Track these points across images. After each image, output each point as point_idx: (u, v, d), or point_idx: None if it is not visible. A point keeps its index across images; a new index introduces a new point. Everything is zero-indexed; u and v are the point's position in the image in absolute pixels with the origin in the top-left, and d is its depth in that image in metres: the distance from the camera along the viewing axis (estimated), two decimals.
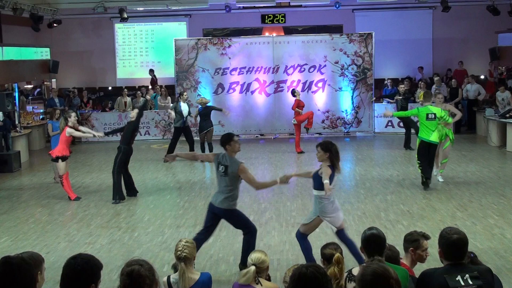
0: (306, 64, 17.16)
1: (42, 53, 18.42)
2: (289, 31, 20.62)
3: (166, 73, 20.70)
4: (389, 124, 17.43)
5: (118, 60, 21.67)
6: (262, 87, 17.36)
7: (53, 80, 19.94)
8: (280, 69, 17.25)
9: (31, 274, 3.02)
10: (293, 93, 14.88)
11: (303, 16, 20.68)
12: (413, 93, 16.73)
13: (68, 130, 10.34)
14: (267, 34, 20.47)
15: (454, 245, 3.71)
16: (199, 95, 16.58)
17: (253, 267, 4.49)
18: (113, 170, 10.28)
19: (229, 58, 17.23)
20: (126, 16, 17.93)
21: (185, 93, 14.70)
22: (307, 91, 17.02)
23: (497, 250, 7.22)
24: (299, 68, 17.19)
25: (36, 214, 9.70)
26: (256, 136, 17.69)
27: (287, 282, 3.61)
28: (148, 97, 16.57)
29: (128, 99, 17.86)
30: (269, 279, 4.91)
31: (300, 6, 19.98)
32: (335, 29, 20.11)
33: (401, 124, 15.65)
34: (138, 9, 18.78)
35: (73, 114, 10.58)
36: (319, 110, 17.10)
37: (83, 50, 21.29)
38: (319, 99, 17.12)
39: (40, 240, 8.22)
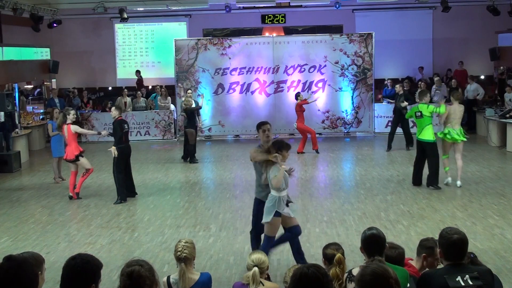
0: (306, 64, 17.15)
1: (42, 53, 18.43)
2: (289, 31, 20.61)
3: (166, 73, 20.70)
4: (389, 124, 17.38)
5: (118, 60, 21.66)
6: (262, 87, 17.35)
7: (53, 80, 19.92)
8: (280, 69, 17.24)
9: (34, 271, 3.02)
10: (297, 97, 14.86)
11: (303, 16, 20.66)
12: (413, 93, 16.70)
13: (73, 127, 10.56)
14: (267, 34, 20.44)
15: (454, 245, 3.71)
16: (199, 95, 16.55)
17: (255, 268, 4.47)
18: (113, 171, 10.33)
19: (229, 58, 17.22)
20: (126, 16, 17.91)
21: (189, 90, 14.63)
22: (307, 91, 17.02)
23: (497, 250, 7.22)
24: (299, 68, 17.18)
25: (36, 214, 9.71)
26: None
27: (288, 282, 3.61)
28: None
29: (128, 99, 17.83)
30: (268, 278, 4.91)
31: (300, 6, 19.95)
32: (335, 29, 20.10)
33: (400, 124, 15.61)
34: (138, 9, 18.76)
35: (72, 112, 10.83)
36: (319, 110, 17.10)
37: (83, 50, 21.28)
38: (319, 99, 17.10)
39: (40, 240, 8.23)
